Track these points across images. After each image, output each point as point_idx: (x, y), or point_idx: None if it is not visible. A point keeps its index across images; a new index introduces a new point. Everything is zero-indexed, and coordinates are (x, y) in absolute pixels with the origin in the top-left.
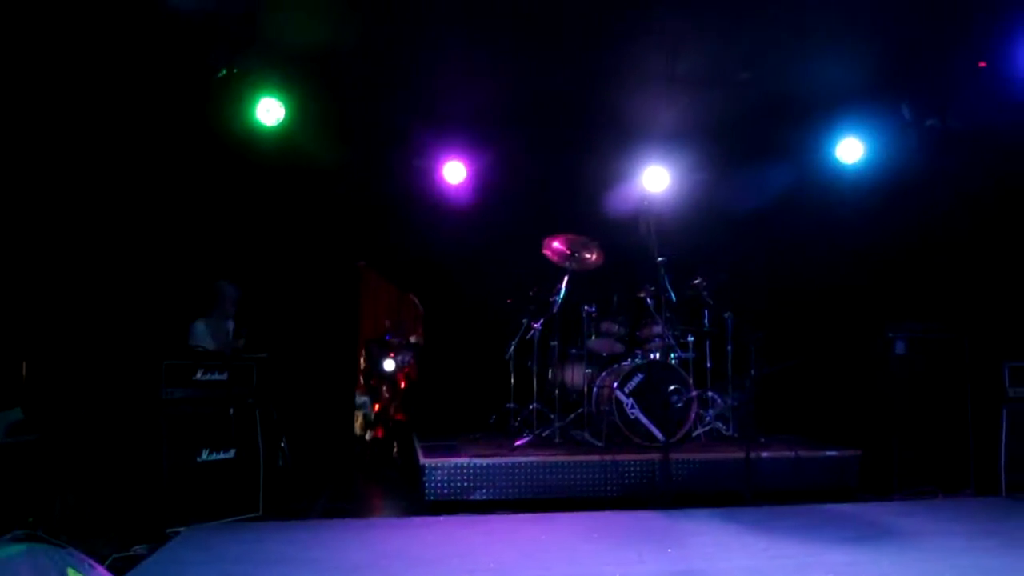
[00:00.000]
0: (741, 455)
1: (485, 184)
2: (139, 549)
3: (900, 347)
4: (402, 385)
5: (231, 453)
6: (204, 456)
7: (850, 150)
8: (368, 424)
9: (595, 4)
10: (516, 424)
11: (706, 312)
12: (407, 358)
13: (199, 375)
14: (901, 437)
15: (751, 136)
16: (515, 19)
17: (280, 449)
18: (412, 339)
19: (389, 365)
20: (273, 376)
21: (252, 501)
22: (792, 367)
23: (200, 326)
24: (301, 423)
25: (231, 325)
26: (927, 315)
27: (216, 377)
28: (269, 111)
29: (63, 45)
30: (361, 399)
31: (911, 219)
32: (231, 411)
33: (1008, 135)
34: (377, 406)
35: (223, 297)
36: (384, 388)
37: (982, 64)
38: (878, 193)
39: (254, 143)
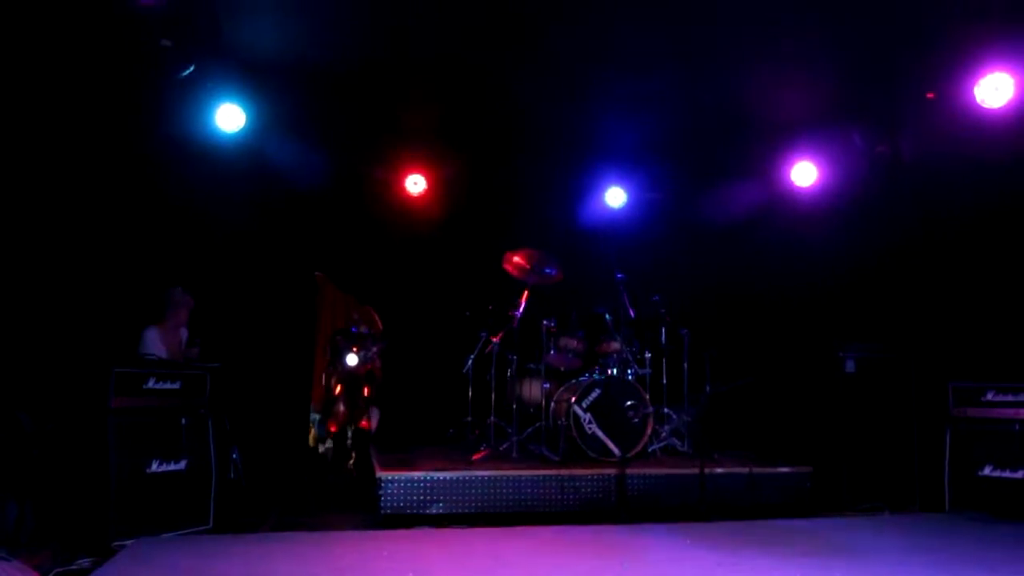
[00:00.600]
0: (696, 471)
1: (446, 197)
2: (84, 563)
3: (850, 366)
4: (366, 392)
5: (182, 464)
6: (154, 467)
7: (804, 173)
8: (320, 438)
9: (559, 22)
10: (474, 438)
11: (663, 329)
12: (371, 353)
13: (150, 384)
14: (851, 454)
15: (710, 158)
16: (479, 32)
17: (232, 460)
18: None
19: (352, 360)
20: (227, 386)
21: (203, 513)
22: (746, 385)
23: (152, 333)
24: (254, 434)
25: (184, 333)
26: (877, 336)
27: (168, 386)
28: (229, 117)
29: (10, 40)
30: (313, 416)
31: (863, 241)
32: (183, 421)
33: (954, 164)
34: (338, 389)
35: (176, 304)
36: (343, 386)
37: (930, 95)
38: (832, 215)
39: (212, 148)
